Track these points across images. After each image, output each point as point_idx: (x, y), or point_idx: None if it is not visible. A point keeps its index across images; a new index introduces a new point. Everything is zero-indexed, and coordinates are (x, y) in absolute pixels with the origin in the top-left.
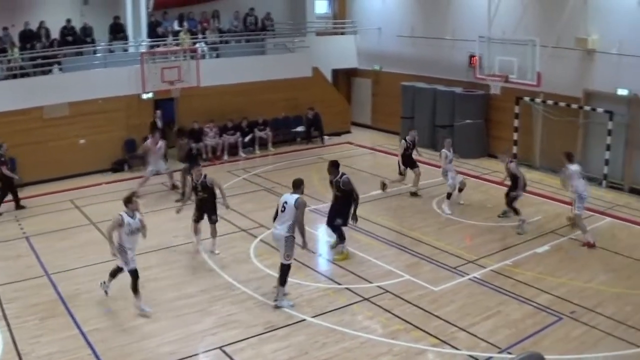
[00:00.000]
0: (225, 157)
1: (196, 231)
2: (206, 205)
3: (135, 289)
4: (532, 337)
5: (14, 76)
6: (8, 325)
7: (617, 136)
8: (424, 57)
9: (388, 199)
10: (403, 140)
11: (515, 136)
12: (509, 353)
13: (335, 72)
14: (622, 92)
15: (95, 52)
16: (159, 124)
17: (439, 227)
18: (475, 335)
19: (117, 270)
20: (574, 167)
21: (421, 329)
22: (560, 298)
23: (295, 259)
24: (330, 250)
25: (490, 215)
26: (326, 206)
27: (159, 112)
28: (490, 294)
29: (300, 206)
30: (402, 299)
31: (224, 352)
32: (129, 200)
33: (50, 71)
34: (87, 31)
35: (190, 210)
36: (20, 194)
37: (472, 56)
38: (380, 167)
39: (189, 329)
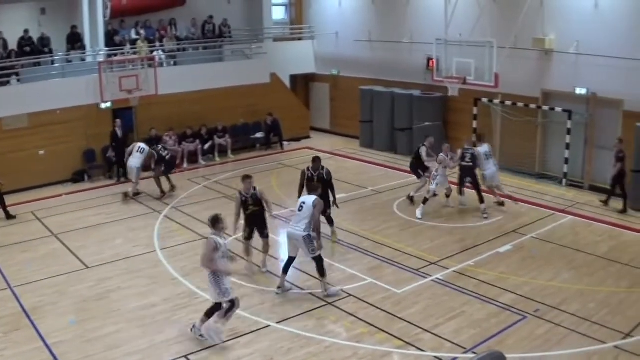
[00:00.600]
0: (185, 165)
1: (248, 252)
2: (257, 219)
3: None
4: (497, 336)
5: None
6: None
7: (577, 135)
8: (382, 61)
9: (349, 203)
10: (423, 147)
11: (474, 138)
12: (474, 353)
13: (294, 78)
14: (580, 91)
15: (53, 62)
16: (119, 133)
17: (400, 230)
18: (440, 336)
19: (214, 308)
20: (482, 148)
21: (385, 332)
22: (523, 297)
23: (257, 266)
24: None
25: (451, 217)
26: (287, 211)
27: (118, 121)
28: (453, 294)
29: (317, 205)
30: (366, 302)
31: None
32: (217, 220)
33: (8, 82)
34: (44, 41)
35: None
36: None
37: (429, 59)
38: (340, 171)
39: (154, 338)
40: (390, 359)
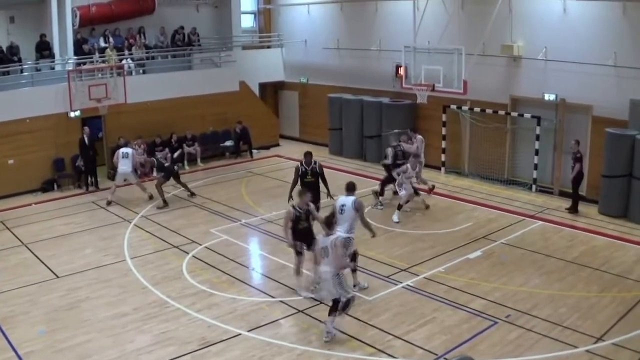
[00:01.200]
0: (154, 174)
1: (299, 271)
2: (307, 234)
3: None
4: (469, 342)
5: None
6: None
7: (546, 141)
8: (351, 69)
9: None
10: (390, 148)
11: (443, 144)
12: (446, 359)
13: (263, 86)
14: (549, 97)
15: (22, 71)
16: (87, 140)
17: (371, 237)
18: (411, 343)
19: (335, 305)
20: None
21: (357, 339)
22: (494, 302)
23: (228, 274)
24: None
25: (420, 223)
26: (257, 219)
27: (86, 128)
28: (424, 301)
29: (360, 207)
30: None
31: None
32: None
33: None
34: (13, 50)
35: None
36: None
37: (398, 66)
38: None
39: (124, 347)
40: None
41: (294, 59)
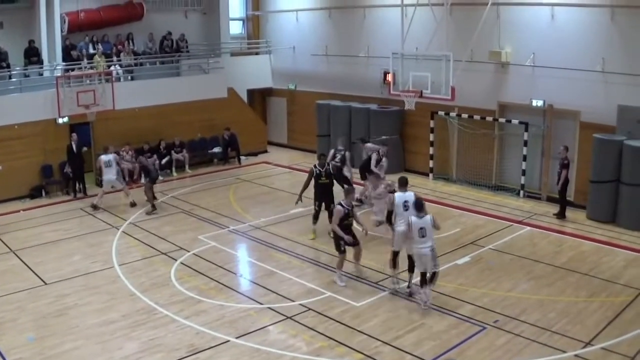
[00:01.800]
0: (143, 181)
1: (341, 266)
2: (352, 230)
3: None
4: (457, 347)
5: None
6: None
7: (533, 146)
8: (339, 75)
9: (307, 217)
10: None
11: (431, 150)
12: None
13: (251, 92)
14: (537, 103)
15: (10, 77)
16: (74, 147)
17: None
18: (400, 349)
19: (425, 277)
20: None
21: (345, 345)
22: (483, 308)
23: (216, 281)
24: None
25: None
26: (245, 226)
27: (74, 135)
28: (412, 307)
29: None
30: (325, 316)
31: None
32: (421, 205)
33: None
34: (2, 56)
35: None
36: None
37: (386, 73)
38: (298, 185)
39: (113, 354)
40: None
41: (282, 66)
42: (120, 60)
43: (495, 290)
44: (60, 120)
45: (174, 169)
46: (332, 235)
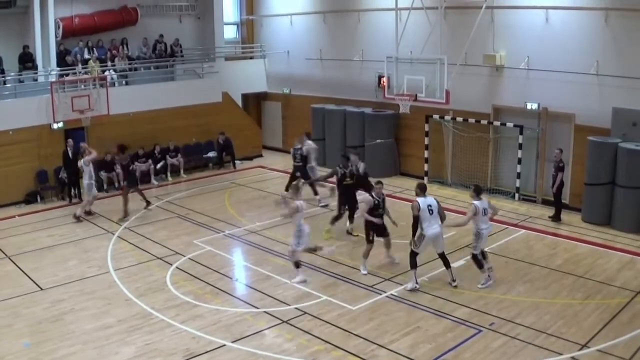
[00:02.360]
0: (138, 185)
1: (367, 255)
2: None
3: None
4: (453, 350)
5: None
6: None
7: (528, 149)
8: (333, 79)
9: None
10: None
11: (426, 154)
12: None
13: (245, 97)
14: (531, 106)
15: (5, 82)
16: (70, 153)
17: (353, 247)
18: (396, 352)
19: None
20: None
21: (341, 349)
22: (478, 311)
23: (212, 285)
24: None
25: (404, 233)
26: (240, 230)
27: (70, 141)
28: (408, 310)
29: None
30: (321, 319)
31: None
32: (479, 190)
33: None
34: None
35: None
36: None
37: (380, 76)
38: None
39: (109, 359)
40: None
41: (276, 70)
42: (114, 65)
43: (491, 293)
44: (55, 126)
45: (169, 173)
46: (354, 234)
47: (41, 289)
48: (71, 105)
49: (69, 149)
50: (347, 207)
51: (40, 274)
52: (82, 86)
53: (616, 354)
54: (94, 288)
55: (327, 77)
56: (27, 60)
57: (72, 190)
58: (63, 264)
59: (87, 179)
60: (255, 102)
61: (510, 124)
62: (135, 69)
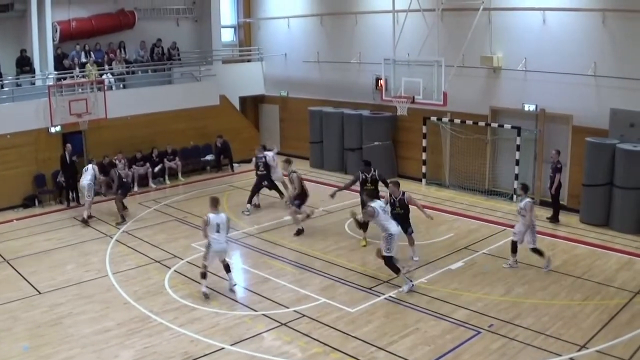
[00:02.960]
0: (135, 189)
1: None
2: (403, 220)
3: None
4: (452, 352)
5: None
6: None
7: (526, 151)
8: (331, 82)
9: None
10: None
11: (424, 156)
12: None
13: (243, 100)
14: (529, 107)
15: (2, 86)
16: (68, 158)
17: (351, 249)
18: (395, 354)
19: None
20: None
21: (340, 351)
22: (477, 312)
23: (211, 289)
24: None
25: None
26: (239, 233)
27: (69, 145)
28: (406, 312)
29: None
30: (319, 322)
31: None
32: (526, 187)
33: None
34: None
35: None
36: None
37: (378, 79)
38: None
39: None
40: None
41: (274, 73)
42: (112, 69)
43: (489, 294)
44: (53, 130)
45: (167, 176)
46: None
47: (39, 292)
48: (69, 109)
49: (67, 154)
50: None
51: (39, 277)
52: (80, 90)
53: (615, 354)
54: (92, 292)
55: (325, 79)
56: (24, 64)
57: (70, 194)
58: (61, 267)
59: (89, 180)
60: (252, 105)
61: (507, 126)
62: (133, 73)
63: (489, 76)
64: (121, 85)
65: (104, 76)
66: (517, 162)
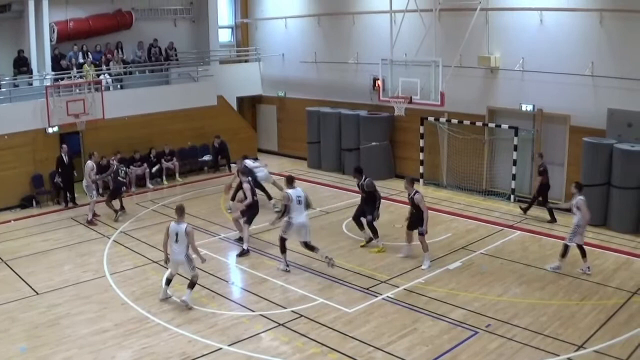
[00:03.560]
0: (133, 189)
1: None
2: (416, 218)
3: None
4: (450, 352)
5: None
6: None
7: (523, 151)
8: (328, 82)
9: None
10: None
11: (421, 156)
12: None
13: (240, 100)
14: (526, 107)
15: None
16: (65, 158)
17: (349, 249)
18: (392, 354)
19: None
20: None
21: (338, 351)
22: (474, 312)
23: (208, 289)
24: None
25: (400, 235)
26: (236, 233)
27: (64, 146)
28: (404, 312)
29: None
30: (317, 322)
31: None
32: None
33: None
34: None
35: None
36: None
37: (375, 79)
38: None
39: None
40: None
41: (271, 73)
42: (109, 69)
43: (487, 294)
44: (50, 130)
45: (164, 177)
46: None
47: (37, 293)
48: (66, 110)
49: (63, 154)
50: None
51: (36, 278)
52: (77, 90)
53: (613, 354)
54: (90, 292)
55: (322, 80)
56: (22, 65)
57: (68, 195)
58: (59, 268)
59: (85, 182)
60: (250, 105)
61: (505, 126)
62: (130, 73)
63: (487, 76)
64: (118, 86)
65: (102, 77)
66: (515, 162)
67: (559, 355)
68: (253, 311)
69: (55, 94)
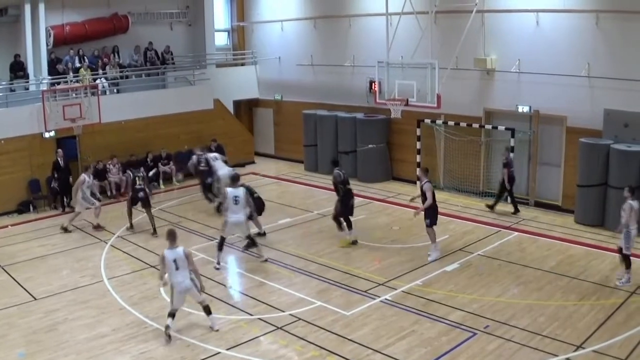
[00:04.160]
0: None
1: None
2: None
3: None
4: (448, 354)
5: None
6: None
7: (520, 152)
8: (325, 85)
9: (295, 227)
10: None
11: (418, 158)
12: None
13: (237, 103)
14: (523, 109)
15: None
16: (61, 163)
17: (347, 252)
18: (391, 356)
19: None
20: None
21: (336, 354)
22: (473, 314)
23: (206, 293)
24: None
25: (397, 237)
26: (233, 237)
27: (60, 151)
28: (402, 314)
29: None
30: (316, 325)
31: None
32: None
33: None
34: None
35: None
36: None
37: (371, 81)
38: (285, 195)
39: None
40: None
41: (268, 76)
42: (106, 73)
43: (485, 296)
44: (47, 135)
45: (161, 181)
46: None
47: (35, 298)
48: (63, 114)
49: (59, 159)
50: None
51: (34, 283)
52: (74, 94)
53: (612, 354)
54: (87, 297)
55: (319, 82)
56: (18, 69)
57: (65, 200)
58: (56, 273)
59: (80, 196)
60: (247, 109)
61: (501, 127)
62: (127, 77)
63: (483, 78)
64: (115, 90)
65: (98, 81)
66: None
67: (557, 356)
68: (251, 315)
69: (51, 99)
